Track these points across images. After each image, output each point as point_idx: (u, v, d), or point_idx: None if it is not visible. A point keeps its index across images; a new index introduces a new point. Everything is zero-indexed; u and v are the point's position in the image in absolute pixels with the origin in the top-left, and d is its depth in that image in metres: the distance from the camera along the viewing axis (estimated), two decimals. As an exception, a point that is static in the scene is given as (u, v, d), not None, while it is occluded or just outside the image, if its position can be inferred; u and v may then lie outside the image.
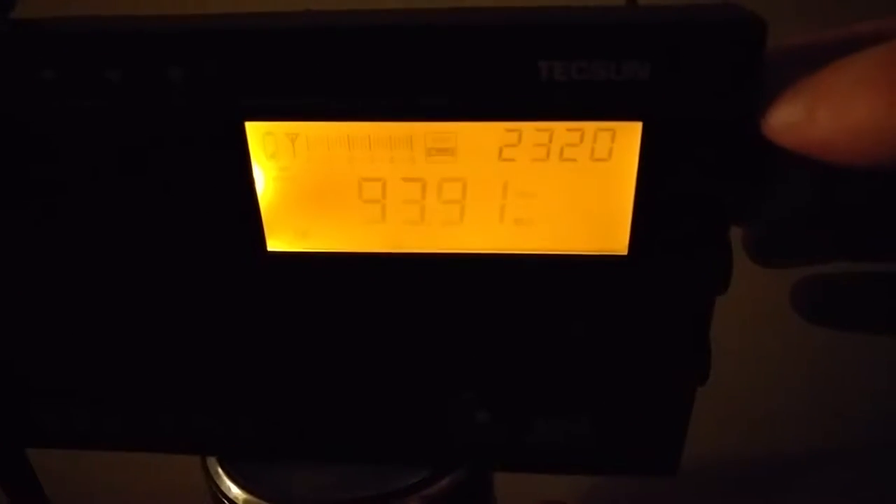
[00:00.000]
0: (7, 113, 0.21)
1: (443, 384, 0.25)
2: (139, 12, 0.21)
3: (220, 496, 0.28)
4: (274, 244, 0.22)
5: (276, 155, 0.21)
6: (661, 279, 0.22)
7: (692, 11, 0.19)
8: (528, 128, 0.20)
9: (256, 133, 0.21)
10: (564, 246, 0.22)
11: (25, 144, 0.21)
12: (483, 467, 0.29)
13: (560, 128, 0.20)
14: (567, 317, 0.23)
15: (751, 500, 0.49)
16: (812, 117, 0.17)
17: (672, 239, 0.21)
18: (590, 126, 0.20)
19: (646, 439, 0.25)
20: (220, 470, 0.28)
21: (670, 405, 0.24)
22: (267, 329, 0.24)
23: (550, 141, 0.20)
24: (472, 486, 0.28)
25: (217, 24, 0.20)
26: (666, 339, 0.23)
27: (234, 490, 0.27)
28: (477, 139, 0.20)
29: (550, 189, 0.21)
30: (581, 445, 0.25)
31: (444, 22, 0.19)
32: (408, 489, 0.27)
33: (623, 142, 0.20)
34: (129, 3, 0.26)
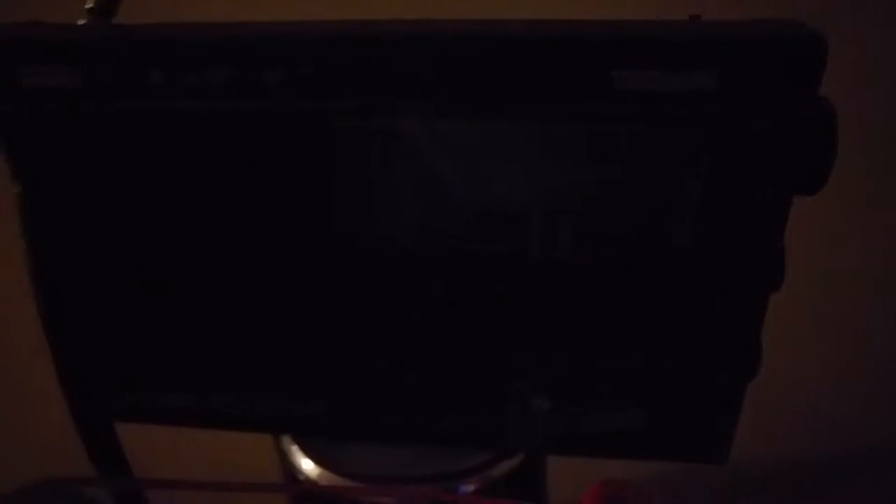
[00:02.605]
0: (117, 114, 0.22)
1: (505, 372, 0.26)
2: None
3: (294, 471, 0.29)
4: None
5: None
6: (721, 276, 0.23)
7: (756, 26, 0.20)
8: None
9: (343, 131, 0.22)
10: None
11: (133, 144, 0.23)
12: (540, 452, 0.30)
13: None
14: (630, 310, 0.24)
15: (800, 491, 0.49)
16: None
17: (732, 238, 0.22)
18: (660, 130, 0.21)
19: (699, 429, 0.26)
20: (294, 447, 0.30)
21: (723, 397, 0.26)
22: (347, 317, 0.26)
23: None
24: (529, 468, 0.30)
25: (310, 30, 0.22)
26: (722, 333, 0.24)
27: (308, 465, 0.29)
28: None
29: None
30: (636, 432, 0.26)
31: (528, 33, 0.21)
32: (469, 471, 0.29)
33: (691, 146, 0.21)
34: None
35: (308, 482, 0.29)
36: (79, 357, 0.28)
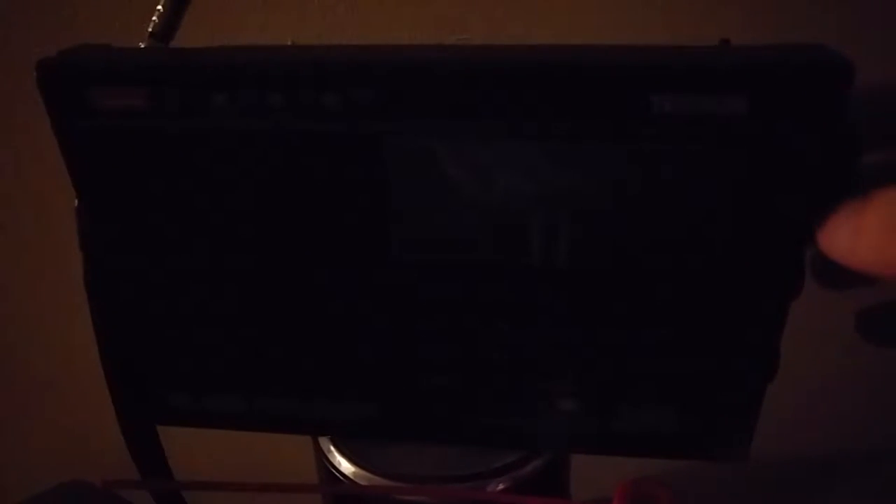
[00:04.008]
0: (180, 133, 0.24)
1: (542, 376, 0.27)
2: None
3: (332, 470, 0.31)
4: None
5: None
6: (748, 284, 0.24)
7: (785, 51, 0.22)
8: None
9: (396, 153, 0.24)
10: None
11: (194, 161, 0.24)
12: (570, 452, 0.32)
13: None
14: (662, 316, 0.26)
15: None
16: (854, 250, 0.21)
17: (760, 249, 0.24)
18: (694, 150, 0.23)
19: (723, 428, 0.28)
20: (332, 447, 0.31)
21: (745, 397, 0.27)
22: (395, 324, 0.27)
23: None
24: (555, 466, 0.31)
25: (365, 55, 0.23)
26: (748, 336, 0.26)
27: (345, 465, 0.30)
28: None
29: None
30: (665, 432, 0.28)
31: (572, 59, 0.22)
32: (500, 470, 0.30)
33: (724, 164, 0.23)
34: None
35: (346, 482, 0.31)
36: (129, 362, 0.29)
